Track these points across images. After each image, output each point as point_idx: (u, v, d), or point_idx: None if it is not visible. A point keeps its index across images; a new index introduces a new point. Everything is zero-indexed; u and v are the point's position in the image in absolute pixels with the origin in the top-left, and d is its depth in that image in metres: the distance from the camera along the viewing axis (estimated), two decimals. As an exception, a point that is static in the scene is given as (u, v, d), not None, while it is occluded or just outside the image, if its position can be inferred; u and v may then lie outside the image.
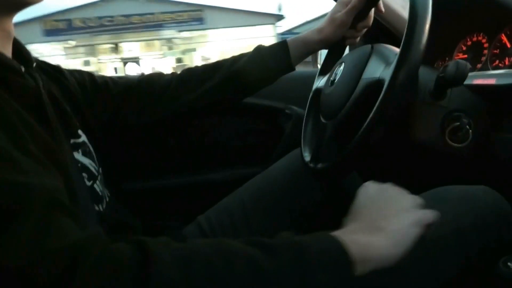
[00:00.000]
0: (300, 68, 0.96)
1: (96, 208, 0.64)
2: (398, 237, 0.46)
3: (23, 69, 0.57)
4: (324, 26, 0.89)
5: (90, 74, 0.85)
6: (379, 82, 0.64)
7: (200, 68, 0.92)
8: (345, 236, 0.44)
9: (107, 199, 0.69)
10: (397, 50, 0.62)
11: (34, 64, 0.62)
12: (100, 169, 0.71)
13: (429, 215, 0.49)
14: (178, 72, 0.92)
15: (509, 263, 0.46)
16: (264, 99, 1.20)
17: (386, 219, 0.48)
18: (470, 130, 0.69)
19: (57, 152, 0.49)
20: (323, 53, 1.03)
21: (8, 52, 0.56)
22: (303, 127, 0.91)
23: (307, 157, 0.82)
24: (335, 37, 0.89)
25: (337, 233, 0.45)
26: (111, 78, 0.88)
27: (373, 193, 0.54)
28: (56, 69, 0.75)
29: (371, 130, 0.61)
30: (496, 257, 0.49)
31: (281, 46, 0.89)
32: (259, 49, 0.89)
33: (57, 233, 0.35)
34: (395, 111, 0.59)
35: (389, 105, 0.59)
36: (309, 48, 0.91)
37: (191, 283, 0.36)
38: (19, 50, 0.61)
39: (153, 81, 0.89)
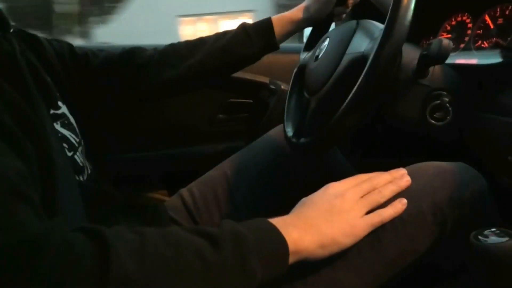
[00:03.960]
0: (284, 43, 0.96)
1: (77, 178, 0.64)
2: (326, 241, 0.50)
3: None
4: (309, 5, 0.88)
5: (69, 45, 0.83)
6: (363, 57, 0.64)
7: (183, 44, 0.90)
8: (282, 228, 0.48)
9: (89, 171, 0.68)
10: (382, 26, 0.62)
11: (11, 30, 0.60)
12: (82, 140, 0.70)
13: (368, 229, 0.53)
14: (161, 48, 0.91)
15: (479, 237, 0.48)
16: (249, 73, 1.20)
17: (325, 222, 0.52)
18: (451, 109, 0.70)
19: (35, 122, 0.48)
20: (306, 30, 1.03)
21: None
22: (286, 102, 0.91)
23: (289, 131, 0.82)
24: (321, 15, 0.89)
25: (276, 223, 0.48)
26: (91, 50, 0.86)
27: (328, 195, 0.56)
28: (34, 37, 0.73)
29: (353, 106, 0.61)
30: (469, 231, 0.51)
31: (266, 24, 0.88)
32: (244, 26, 0.88)
33: (15, 225, 0.34)
34: (377, 87, 0.60)
35: (372, 81, 0.59)
36: (294, 27, 0.91)
37: (146, 274, 0.38)
38: None
39: (134, 55, 0.87)
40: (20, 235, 0.33)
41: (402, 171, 0.60)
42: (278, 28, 0.88)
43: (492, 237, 0.47)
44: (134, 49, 0.89)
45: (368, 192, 0.56)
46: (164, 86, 0.88)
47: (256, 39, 0.87)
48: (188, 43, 0.90)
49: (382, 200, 0.56)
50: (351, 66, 0.67)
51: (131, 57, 0.87)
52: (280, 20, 0.89)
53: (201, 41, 0.89)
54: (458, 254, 0.61)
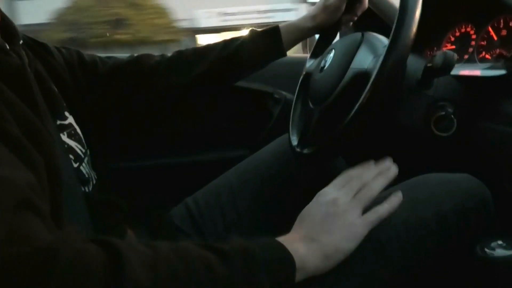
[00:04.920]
0: (289, 54, 0.96)
1: (82, 189, 0.64)
2: (330, 250, 0.51)
3: (7, 46, 0.56)
4: (317, 13, 0.89)
5: (78, 52, 0.84)
6: (366, 74, 0.65)
7: (190, 51, 0.91)
8: (288, 245, 0.49)
9: (94, 181, 0.69)
10: (386, 41, 0.63)
11: (21, 41, 0.61)
12: (88, 151, 0.70)
13: (367, 228, 0.53)
14: (168, 55, 0.92)
15: (485, 248, 0.48)
16: (253, 82, 1.20)
17: (323, 232, 0.52)
18: (455, 120, 0.71)
19: (43, 133, 0.49)
20: (312, 39, 1.04)
21: None
22: (292, 110, 0.91)
23: (294, 140, 0.83)
24: (329, 23, 0.90)
25: (283, 241, 0.49)
26: (100, 57, 0.87)
27: (320, 203, 0.57)
28: (43, 46, 0.74)
29: (355, 120, 0.62)
30: (475, 241, 0.51)
31: (273, 32, 0.89)
32: (251, 33, 0.89)
33: (27, 237, 0.34)
34: (380, 103, 0.60)
35: (374, 98, 0.60)
36: (302, 34, 0.91)
37: (157, 286, 0.38)
38: (6, 26, 0.59)
39: (142, 62, 0.88)
40: (31, 246, 0.33)
41: (389, 163, 0.61)
42: (285, 35, 0.89)
43: (498, 250, 0.47)
44: (142, 56, 0.90)
45: (359, 190, 0.57)
46: (172, 92, 0.89)
47: (264, 45, 0.88)
48: (196, 50, 0.91)
49: (374, 194, 0.56)
50: (354, 81, 0.68)
51: (139, 64, 0.88)
52: (287, 27, 0.90)
53: (208, 48, 0.90)
54: (462, 265, 0.61)
